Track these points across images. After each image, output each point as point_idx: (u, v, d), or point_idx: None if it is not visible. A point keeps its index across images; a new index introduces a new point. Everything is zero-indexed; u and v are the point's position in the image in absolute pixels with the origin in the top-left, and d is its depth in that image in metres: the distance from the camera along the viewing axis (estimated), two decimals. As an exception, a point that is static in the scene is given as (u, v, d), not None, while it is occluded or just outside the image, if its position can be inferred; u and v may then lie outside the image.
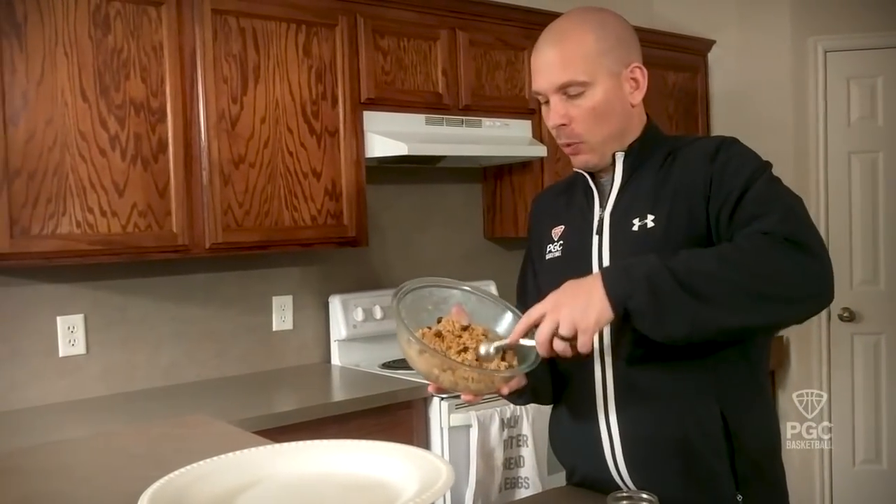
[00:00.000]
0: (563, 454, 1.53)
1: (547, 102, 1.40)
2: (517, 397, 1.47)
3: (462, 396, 1.28)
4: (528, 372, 1.30)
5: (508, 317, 1.36)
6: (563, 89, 1.36)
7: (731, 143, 1.35)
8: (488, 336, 1.29)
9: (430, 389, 1.31)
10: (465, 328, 1.28)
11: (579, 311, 1.17)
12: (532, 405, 2.64)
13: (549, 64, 1.37)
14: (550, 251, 1.50)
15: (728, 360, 1.34)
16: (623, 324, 1.22)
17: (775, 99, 3.79)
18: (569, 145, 1.41)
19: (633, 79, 1.39)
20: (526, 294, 1.57)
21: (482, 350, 1.25)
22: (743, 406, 1.34)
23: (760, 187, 1.27)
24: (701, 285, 1.16)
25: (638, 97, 1.40)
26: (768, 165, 1.32)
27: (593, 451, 1.40)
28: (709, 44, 3.93)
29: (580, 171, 1.48)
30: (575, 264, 1.42)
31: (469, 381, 1.22)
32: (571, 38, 1.37)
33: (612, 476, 1.39)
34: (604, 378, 1.39)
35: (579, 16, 1.40)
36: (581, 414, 1.42)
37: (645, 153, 1.41)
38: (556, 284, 1.41)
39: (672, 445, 1.33)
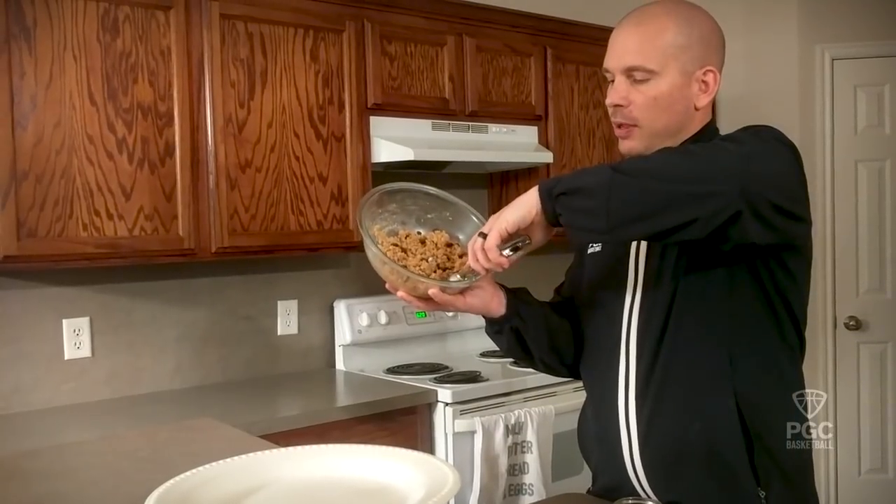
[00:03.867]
0: (586, 454, 1.55)
1: (612, 81, 1.40)
2: (495, 332, 1.49)
3: (398, 293, 1.36)
4: (513, 310, 1.44)
5: (474, 224, 1.46)
6: (630, 72, 1.36)
7: (760, 126, 1.34)
8: (463, 257, 1.38)
9: (387, 285, 1.38)
10: (448, 245, 1.41)
11: (501, 212, 1.24)
12: (536, 411, 2.66)
13: (623, 44, 1.37)
14: (592, 246, 1.53)
15: (748, 359, 1.34)
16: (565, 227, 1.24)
17: (782, 106, 3.79)
18: (621, 126, 1.40)
19: (703, 81, 1.37)
20: (567, 280, 1.65)
21: (452, 279, 1.36)
22: (762, 403, 1.34)
23: (750, 129, 1.29)
24: (627, 165, 1.19)
25: (704, 100, 1.39)
26: (778, 133, 1.29)
27: (612, 447, 1.41)
28: (715, 51, 3.93)
29: None
30: (615, 259, 1.45)
31: (400, 277, 1.33)
32: (653, 24, 1.35)
33: (627, 473, 1.39)
34: (627, 374, 1.40)
35: (670, 6, 1.38)
36: (603, 411, 1.44)
37: None
38: (596, 277, 1.49)
39: (690, 442, 1.33)
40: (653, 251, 1.40)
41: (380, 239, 1.37)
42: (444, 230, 1.44)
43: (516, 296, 1.47)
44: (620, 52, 1.37)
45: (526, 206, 1.22)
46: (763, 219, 1.19)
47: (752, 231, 1.19)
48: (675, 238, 1.21)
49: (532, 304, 1.50)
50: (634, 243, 1.42)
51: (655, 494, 1.36)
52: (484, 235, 1.24)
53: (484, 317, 1.47)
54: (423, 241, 1.41)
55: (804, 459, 1.40)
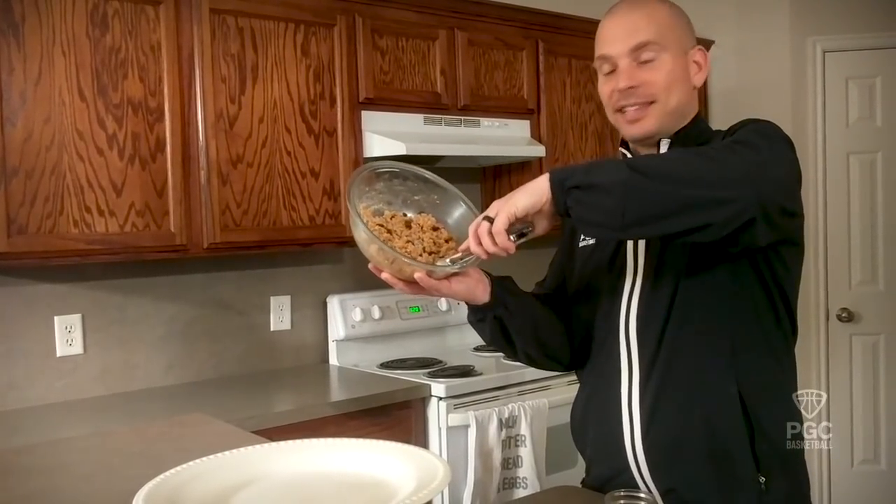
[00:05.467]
0: (581, 444, 1.55)
1: (611, 72, 1.40)
2: (478, 321, 1.47)
3: (382, 275, 1.34)
4: (498, 299, 1.41)
5: (462, 209, 1.44)
6: (637, 51, 1.37)
7: (755, 119, 1.35)
8: (449, 241, 1.38)
9: (369, 266, 1.37)
10: (434, 229, 1.39)
11: (509, 197, 1.22)
12: (529, 404, 2.66)
13: (624, 26, 1.38)
14: (584, 239, 1.53)
15: (748, 346, 1.36)
16: (565, 217, 1.23)
17: (774, 99, 3.79)
18: (634, 108, 1.39)
19: (696, 61, 1.41)
20: (550, 273, 1.65)
21: (438, 263, 1.34)
22: (763, 392, 1.35)
23: (751, 126, 1.29)
24: (643, 164, 1.18)
25: (700, 79, 1.42)
26: (781, 132, 1.30)
27: (613, 436, 1.41)
28: (707, 44, 3.93)
29: (624, 152, 1.48)
30: (607, 251, 1.46)
31: (387, 258, 1.30)
32: (646, 6, 1.39)
33: (627, 461, 1.39)
34: (630, 364, 1.40)
35: None
36: (604, 400, 1.44)
37: (689, 143, 1.40)
38: (590, 269, 1.49)
39: (692, 429, 1.34)
40: (653, 242, 1.40)
41: (365, 218, 1.35)
42: (430, 213, 1.43)
43: (502, 285, 1.46)
44: (623, 34, 1.38)
45: (537, 193, 1.21)
46: (772, 222, 1.21)
47: (760, 235, 1.21)
48: (686, 239, 1.23)
49: (518, 293, 1.49)
50: None
51: (655, 482, 1.37)
52: (490, 220, 1.22)
53: (467, 304, 1.46)
54: (408, 224, 1.39)
55: (801, 453, 1.42)
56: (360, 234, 1.31)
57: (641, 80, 1.37)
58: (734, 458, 1.33)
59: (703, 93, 3.97)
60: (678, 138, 1.40)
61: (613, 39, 1.39)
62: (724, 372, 1.34)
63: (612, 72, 1.40)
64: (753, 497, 1.33)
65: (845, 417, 3.74)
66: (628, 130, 1.42)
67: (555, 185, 1.20)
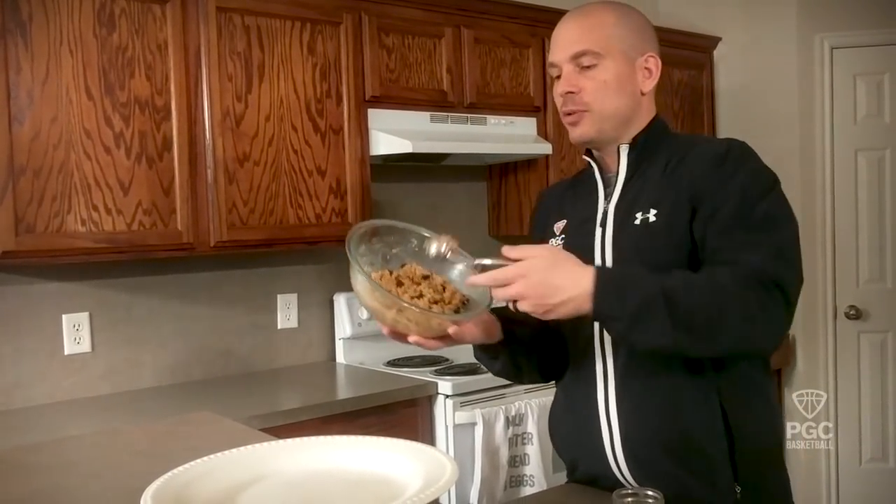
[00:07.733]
0: (563, 448, 1.54)
1: (559, 77, 1.44)
2: (491, 359, 1.48)
3: (410, 339, 1.30)
4: (508, 333, 1.42)
5: (459, 266, 1.38)
6: (577, 58, 1.40)
7: (742, 151, 1.35)
8: (446, 287, 1.32)
9: (385, 332, 1.34)
10: (425, 277, 1.33)
11: (549, 299, 1.20)
12: (536, 402, 2.66)
13: (567, 35, 1.43)
14: (554, 240, 1.52)
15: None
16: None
17: (781, 96, 3.78)
18: (571, 114, 1.42)
19: (646, 68, 1.43)
20: None
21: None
22: (743, 400, 1.35)
23: (757, 212, 1.28)
24: (682, 317, 1.20)
25: (649, 85, 1.44)
26: (773, 182, 1.32)
27: (593, 441, 1.41)
28: (715, 41, 3.92)
29: (588, 159, 1.49)
30: (577, 257, 1.43)
31: (411, 320, 1.25)
32: (593, 15, 1.43)
33: (609, 465, 1.39)
34: (605, 369, 1.40)
35: (604, 2, 1.47)
36: (581, 406, 1.44)
37: (650, 147, 1.43)
38: None
39: (670, 435, 1.34)
40: (618, 244, 1.39)
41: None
42: (412, 262, 1.36)
43: (506, 318, 1.44)
44: (566, 43, 1.42)
45: (580, 310, 1.22)
46: None
47: None
48: None
49: (521, 322, 1.45)
50: (598, 237, 1.42)
51: (637, 485, 1.37)
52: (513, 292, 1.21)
53: (476, 344, 1.44)
54: (399, 282, 1.30)
55: (779, 451, 1.43)
56: (380, 305, 1.25)
57: (580, 87, 1.40)
58: (713, 465, 1.33)
59: (710, 90, 3.96)
60: (636, 143, 1.43)
61: (556, 47, 1.44)
62: (702, 377, 1.34)
63: (560, 76, 1.43)
64: (730, 500, 1.33)
65: (853, 415, 3.72)
66: (570, 134, 1.46)
67: (597, 313, 1.22)
